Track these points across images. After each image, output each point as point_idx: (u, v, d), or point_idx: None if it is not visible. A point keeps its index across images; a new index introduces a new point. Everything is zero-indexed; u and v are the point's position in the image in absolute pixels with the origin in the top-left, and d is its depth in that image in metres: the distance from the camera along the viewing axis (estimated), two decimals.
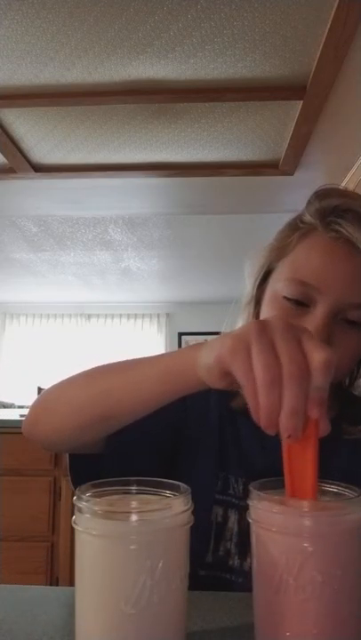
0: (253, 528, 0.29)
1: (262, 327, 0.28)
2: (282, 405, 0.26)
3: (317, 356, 0.27)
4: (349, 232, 0.41)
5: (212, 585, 0.43)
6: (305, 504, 0.28)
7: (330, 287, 0.41)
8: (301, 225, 0.45)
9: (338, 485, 0.29)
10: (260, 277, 0.47)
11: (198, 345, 0.34)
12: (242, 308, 0.50)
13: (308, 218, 0.45)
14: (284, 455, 0.28)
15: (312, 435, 0.27)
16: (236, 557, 0.43)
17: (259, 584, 0.28)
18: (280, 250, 0.46)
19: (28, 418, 0.44)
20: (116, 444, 0.43)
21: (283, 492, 0.29)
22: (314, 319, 0.41)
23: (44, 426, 0.43)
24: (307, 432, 0.27)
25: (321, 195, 0.44)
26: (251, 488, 0.29)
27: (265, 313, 0.45)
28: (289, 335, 0.28)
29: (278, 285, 0.44)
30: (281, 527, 0.27)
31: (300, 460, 0.28)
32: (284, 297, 0.43)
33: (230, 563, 0.43)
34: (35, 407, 0.44)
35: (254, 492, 0.29)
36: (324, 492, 0.29)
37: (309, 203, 0.45)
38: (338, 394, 0.48)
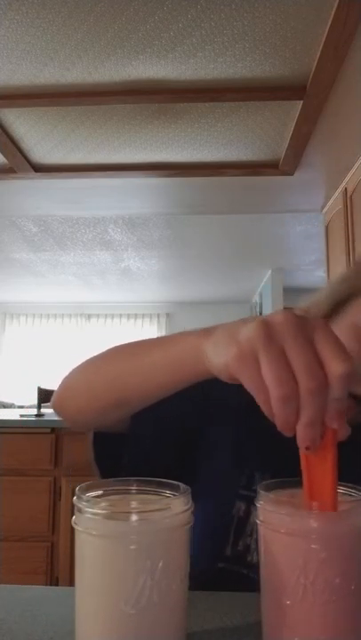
0: (262, 530, 0.28)
1: (270, 332, 0.25)
2: (299, 417, 0.25)
3: (336, 367, 0.24)
4: None
5: (228, 578, 0.42)
6: (315, 504, 0.27)
7: None
8: None
9: (344, 486, 0.29)
10: (342, 298, 0.44)
11: (205, 333, 0.31)
12: (315, 298, 0.46)
13: None
14: (303, 463, 0.27)
15: (331, 443, 0.26)
16: (255, 553, 0.43)
17: (270, 587, 0.28)
18: None
19: (55, 397, 0.44)
20: (135, 436, 0.43)
21: (289, 492, 0.29)
22: None
23: (68, 407, 0.44)
24: (325, 440, 0.26)
25: None
26: (259, 489, 0.28)
27: (339, 334, 0.44)
28: (301, 340, 0.25)
29: (359, 315, 0.41)
30: (295, 530, 0.26)
31: (320, 469, 0.27)
32: None
33: (248, 558, 0.43)
34: (60, 387, 0.44)
35: (263, 494, 0.28)
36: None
37: None
38: None
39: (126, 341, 0.41)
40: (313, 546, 0.26)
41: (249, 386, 0.26)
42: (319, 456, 0.26)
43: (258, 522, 0.28)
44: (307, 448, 0.26)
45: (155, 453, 0.44)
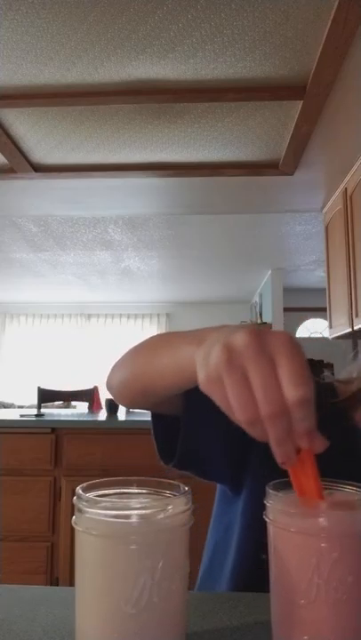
0: (272, 529, 0.28)
1: (231, 356, 0.26)
2: (268, 437, 0.26)
3: (293, 393, 0.25)
4: None
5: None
6: (327, 504, 0.27)
7: None
8: None
9: (352, 485, 0.29)
10: None
11: (200, 340, 0.32)
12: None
13: None
14: (290, 473, 0.28)
15: (307, 457, 0.27)
16: None
17: (281, 587, 0.28)
18: None
19: (107, 381, 0.47)
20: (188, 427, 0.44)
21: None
22: None
23: (114, 391, 0.47)
24: (301, 455, 0.27)
25: None
26: (267, 488, 0.29)
27: None
28: (262, 363, 0.25)
29: None
30: (307, 529, 0.26)
31: (303, 479, 0.28)
32: None
33: None
34: (110, 372, 0.47)
35: (272, 493, 0.28)
36: (334, 491, 0.29)
37: None
38: None
39: (128, 341, 0.43)
40: (324, 544, 0.25)
41: (221, 407, 0.27)
42: (299, 468, 0.27)
43: (267, 520, 0.28)
44: (283, 463, 0.27)
45: (208, 440, 0.45)
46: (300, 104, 1.42)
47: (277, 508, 0.28)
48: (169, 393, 0.39)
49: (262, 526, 0.44)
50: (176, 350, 0.36)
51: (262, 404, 0.25)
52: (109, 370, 0.47)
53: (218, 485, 0.54)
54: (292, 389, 0.25)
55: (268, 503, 0.28)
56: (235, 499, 0.49)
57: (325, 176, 1.92)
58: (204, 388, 0.28)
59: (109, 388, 0.47)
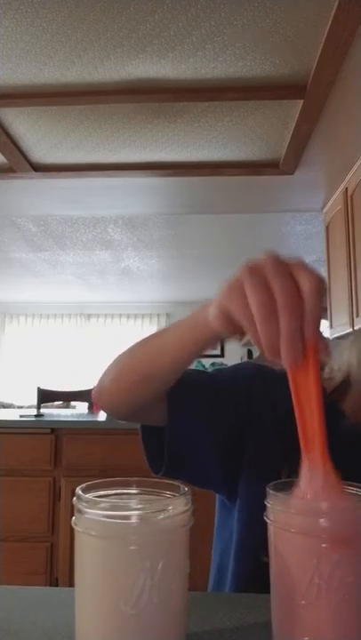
0: (272, 530, 0.28)
1: (253, 266, 0.30)
2: (280, 334, 0.28)
3: (307, 282, 0.28)
4: None
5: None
6: (330, 506, 0.27)
7: None
8: None
9: (352, 485, 0.29)
10: None
11: (210, 300, 0.35)
12: None
13: None
14: (291, 387, 0.30)
15: (311, 356, 0.29)
16: None
17: (281, 587, 0.28)
18: None
19: (96, 386, 0.48)
20: (173, 436, 0.45)
21: (299, 491, 0.29)
22: None
23: (107, 392, 0.46)
24: (306, 358, 0.29)
25: None
26: (268, 489, 0.29)
27: None
28: (279, 269, 0.29)
29: None
30: (307, 529, 0.26)
31: (305, 387, 0.29)
32: None
33: None
34: (101, 377, 0.47)
35: (273, 494, 0.28)
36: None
37: None
38: None
39: (128, 341, 0.45)
40: (324, 545, 0.25)
41: (238, 314, 0.30)
42: (303, 372, 0.29)
43: (268, 521, 0.28)
44: (291, 364, 0.29)
45: (202, 450, 0.45)
46: (300, 103, 1.42)
47: (278, 509, 0.28)
48: (173, 369, 0.40)
49: (257, 530, 0.45)
50: (179, 325, 0.39)
51: (280, 296, 0.28)
52: (99, 378, 0.46)
53: (217, 496, 0.54)
54: (306, 280, 0.29)
55: (269, 504, 0.28)
56: (233, 508, 0.49)
57: (326, 176, 1.92)
58: (223, 302, 0.31)
59: (99, 394, 0.46)
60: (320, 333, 0.29)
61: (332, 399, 0.48)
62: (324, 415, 0.29)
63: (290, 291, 0.29)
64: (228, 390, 0.49)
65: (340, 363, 0.49)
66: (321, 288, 0.29)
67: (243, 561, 0.46)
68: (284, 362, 0.29)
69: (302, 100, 1.40)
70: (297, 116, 1.48)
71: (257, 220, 2.58)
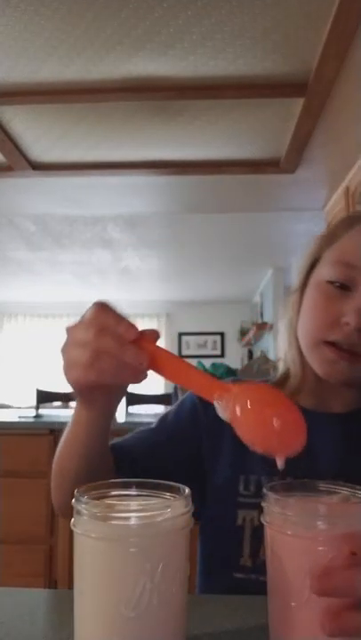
0: (268, 532, 0.28)
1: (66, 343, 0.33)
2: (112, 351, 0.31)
3: (100, 317, 0.32)
4: None
5: (248, 587, 0.42)
6: (324, 508, 0.28)
7: None
8: (352, 214, 0.46)
9: (350, 487, 0.29)
10: (307, 267, 0.47)
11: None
12: (289, 297, 0.50)
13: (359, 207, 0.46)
14: (160, 374, 0.32)
15: (148, 347, 0.31)
16: None
17: (275, 589, 0.28)
18: (328, 238, 0.47)
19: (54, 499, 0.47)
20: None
21: (296, 493, 0.29)
22: (355, 301, 0.41)
23: (57, 503, 0.47)
24: (146, 349, 0.31)
25: None
26: (265, 491, 0.28)
27: (307, 300, 0.46)
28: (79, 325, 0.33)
29: (323, 270, 0.45)
30: (302, 532, 0.26)
31: (164, 366, 0.31)
32: (328, 281, 0.43)
33: None
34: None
35: (270, 495, 0.28)
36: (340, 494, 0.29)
37: None
38: None
39: None
40: (320, 548, 0.25)
41: (76, 352, 0.33)
42: (155, 363, 0.31)
43: (264, 523, 0.28)
44: (140, 372, 0.31)
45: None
46: (301, 101, 1.42)
47: (274, 511, 0.27)
48: (89, 450, 0.40)
49: (230, 545, 0.43)
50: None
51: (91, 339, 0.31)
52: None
53: None
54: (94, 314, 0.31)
55: (265, 505, 0.28)
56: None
57: (327, 174, 1.92)
58: (65, 362, 0.33)
59: (58, 508, 0.46)
60: (138, 331, 0.31)
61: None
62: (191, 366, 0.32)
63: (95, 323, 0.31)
64: (176, 429, 0.50)
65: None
66: (105, 311, 0.31)
67: (215, 578, 0.46)
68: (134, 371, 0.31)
69: (303, 99, 1.40)
70: (298, 114, 1.48)
71: (258, 219, 2.58)
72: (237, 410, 0.29)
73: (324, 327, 0.42)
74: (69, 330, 0.33)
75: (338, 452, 0.44)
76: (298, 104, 1.44)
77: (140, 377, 0.31)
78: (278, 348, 0.50)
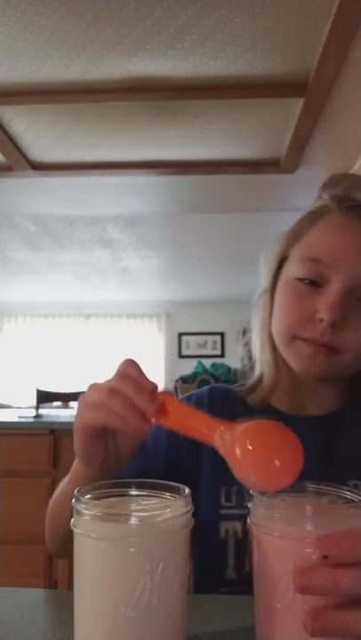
0: (255, 532, 0.28)
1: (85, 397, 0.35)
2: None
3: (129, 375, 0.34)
4: None
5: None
6: (311, 509, 0.28)
7: (344, 262, 0.41)
8: (316, 210, 0.46)
9: (340, 488, 0.29)
10: (275, 266, 0.47)
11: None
12: (259, 298, 0.50)
13: (321, 201, 0.46)
14: (172, 426, 0.33)
15: (165, 404, 0.33)
16: None
17: (261, 590, 0.28)
18: (295, 235, 0.46)
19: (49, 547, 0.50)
20: None
21: (282, 495, 0.29)
22: (327, 297, 0.41)
23: (52, 547, 0.49)
24: (162, 406, 0.33)
25: (334, 179, 0.46)
26: (252, 492, 0.29)
27: (279, 298, 0.46)
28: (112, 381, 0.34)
29: (292, 268, 0.44)
30: (288, 533, 0.26)
31: (175, 418, 0.33)
32: (297, 279, 0.43)
33: None
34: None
35: (257, 496, 0.28)
36: (328, 496, 0.29)
37: (323, 188, 0.46)
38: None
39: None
40: (306, 550, 0.25)
41: (97, 410, 0.35)
42: (165, 416, 0.33)
43: (250, 524, 0.28)
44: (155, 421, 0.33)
45: None
46: (301, 101, 1.42)
47: (260, 512, 0.27)
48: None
49: (214, 559, 0.43)
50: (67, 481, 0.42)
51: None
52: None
53: None
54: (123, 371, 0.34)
55: (251, 506, 0.28)
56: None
57: (327, 174, 1.90)
58: (79, 415, 0.35)
59: (51, 550, 0.48)
60: (158, 394, 0.33)
61: (266, 402, 0.48)
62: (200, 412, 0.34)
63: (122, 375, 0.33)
64: (160, 447, 0.49)
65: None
66: (132, 373, 0.33)
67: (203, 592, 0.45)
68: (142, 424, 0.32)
69: (303, 99, 1.40)
70: (298, 114, 1.48)
71: (257, 219, 2.58)
72: (237, 451, 0.30)
73: (298, 324, 0.42)
74: (92, 383, 0.35)
75: (316, 455, 0.44)
76: (298, 104, 1.44)
77: (145, 426, 0.32)
78: (254, 351, 0.50)
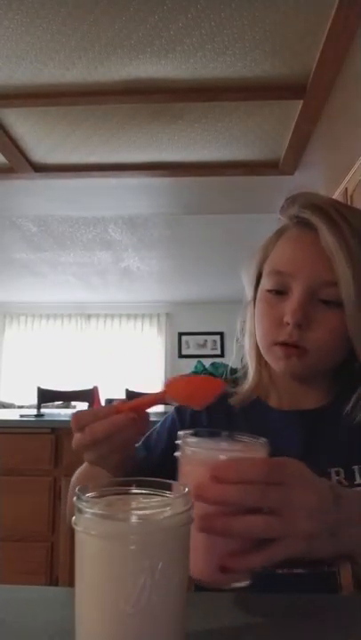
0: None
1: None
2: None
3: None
4: (313, 221, 0.47)
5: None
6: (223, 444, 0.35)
7: (301, 270, 0.47)
8: (279, 229, 0.53)
9: (252, 437, 0.36)
10: (253, 280, 0.54)
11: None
12: (244, 309, 0.56)
13: (281, 222, 0.52)
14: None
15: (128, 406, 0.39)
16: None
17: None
18: (264, 252, 0.54)
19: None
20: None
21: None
22: (291, 303, 0.47)
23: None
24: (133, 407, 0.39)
25: (288, 200, 0.53)
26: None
27: (257, 310, 0.52)
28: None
29: (264, 282, 0.51)
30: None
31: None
32: (268, 290, 0.50)
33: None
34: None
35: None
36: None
37: (280, 210, 0.53)
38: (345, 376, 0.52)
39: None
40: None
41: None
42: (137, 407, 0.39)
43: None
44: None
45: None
46: (300, 104, 1.42)
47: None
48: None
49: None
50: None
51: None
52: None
53: None
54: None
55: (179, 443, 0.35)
56: None
57: (326, 176, 1.92)
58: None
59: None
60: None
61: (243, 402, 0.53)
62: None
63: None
64: (157, 445, 0.55)
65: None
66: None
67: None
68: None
69: (302, 101, 1.40)
70: (297, 116, 1.48)
71: (257, 220, 2.58)
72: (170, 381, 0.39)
73: (271, 330, 0.48)
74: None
75: (298, 445, 0.48)
76: (297, 106, 1.45)
77: (129, 424, 0.37)
78: (245, 356, 0.56)
